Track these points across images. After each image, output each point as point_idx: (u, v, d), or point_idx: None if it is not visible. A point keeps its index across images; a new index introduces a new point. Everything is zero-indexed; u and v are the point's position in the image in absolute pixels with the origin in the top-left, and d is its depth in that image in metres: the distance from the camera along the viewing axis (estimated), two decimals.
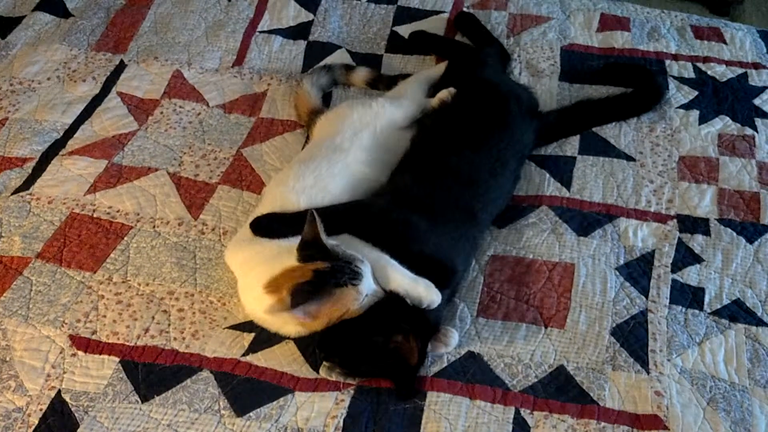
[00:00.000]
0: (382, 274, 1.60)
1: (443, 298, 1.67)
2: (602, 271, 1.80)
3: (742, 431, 1.54)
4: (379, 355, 1.57)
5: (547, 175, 2.01)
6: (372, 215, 1.74)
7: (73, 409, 1.57)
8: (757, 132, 2.13)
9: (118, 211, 1.93)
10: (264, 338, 1.68)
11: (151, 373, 1.63)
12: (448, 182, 1.82)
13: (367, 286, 1.56)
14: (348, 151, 1.87)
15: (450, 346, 1.64)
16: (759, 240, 1.87)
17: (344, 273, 1.54)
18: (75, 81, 2.31)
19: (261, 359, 1.65)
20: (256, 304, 1.64)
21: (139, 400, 1.58)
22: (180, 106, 2.23)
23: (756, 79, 2.29)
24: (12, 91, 2.28)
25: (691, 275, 1.80)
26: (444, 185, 1.81)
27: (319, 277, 1.54)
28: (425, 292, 1.60)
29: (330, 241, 1.58)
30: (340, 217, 1.73)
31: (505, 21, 2.51)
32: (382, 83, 2.27)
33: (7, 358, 1.65)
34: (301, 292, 1.52)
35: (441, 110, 1.98)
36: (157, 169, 2.04)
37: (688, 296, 1.76)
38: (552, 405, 1.57)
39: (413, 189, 1.80)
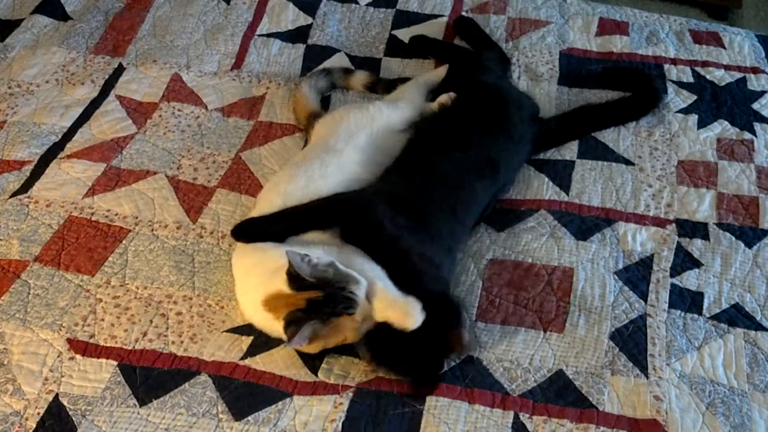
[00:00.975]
0: (370, 287, 1.58)
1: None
2: (601, 276, 1.80)
3: None
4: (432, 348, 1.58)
5: (546, 179, 2.01)
6: (356, 207, 1.75)
7: (70, 413, 1.56)
8: (755, 136, 2.13)
9: (116, 215, 1.93)
10: (262, 342, 1.68)
11: (149, 377, 1.62)
12: (438, 184, 1.82)
13: (365, 312, 1.56)
14: (342, 152, 1.87)
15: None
16: (758, 244, 1.87)
17: (338, 302, 1.54)
18: (73, 84, 2.31)
19: (259, 363, 1.64)
20: (254, 311, 1.64)
21: (137, 403, 1.58)
22: (179, 110, 2.23)
23: (755, 83, 2.29)
24: (10, 93, 2.27)
25: (690, 279, 1.80)
26: (434, 187, 1.81)
27: (312, 307, 1.54)
28: (411, 310, 1.55)
29: (319, 266, 1.55)
30: (321, 212, 1.74)
31: (503, 25, 2.51)
32: (381, 87, 2.27)
33: (5, 362, 1.65)
34: (295, 322, 1.53)
35: (440, 114, 1.98)
36: (155, 173, 2.04)
37: (687, 300, 1.76)
38: (551, 409, 1.56)
39: (404, 189, 1.79)
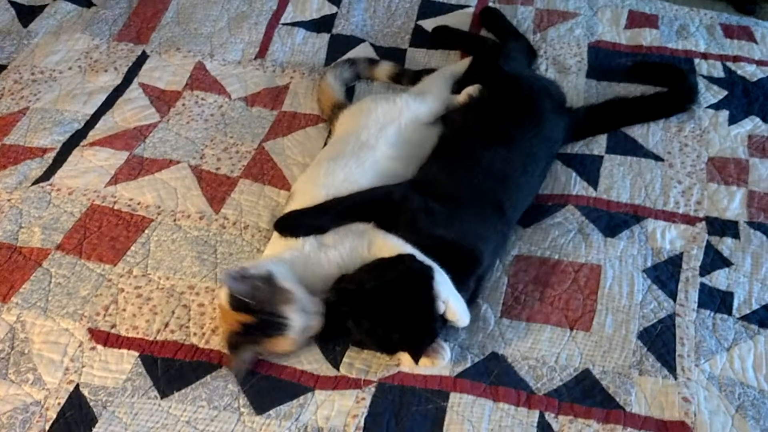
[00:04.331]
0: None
1: (469, 288, 1.66)
2: (629, 274, 1.77)
3: None
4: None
5: (574, 174, 1.98)
6: (394, 200, 1.73)
7: (91, 404, 1.55)
8: None
9: (138, 204, 1.92)
10: None
11: (171, 369, 1.61)
12: (479, 177, 1.79)
13: (299, 328, 1.56)
14: (375, 147, 1.86)
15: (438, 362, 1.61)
16: None
17: (271, 326, 1.55)
18: (96, 71, 2.30)
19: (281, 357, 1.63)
20: None
21: (158, 395, 1.57)
22: (202, 98, 2.21)
23: None
24: (33, 80, 2.27)
25: (719, 279, 1.77)
26: (475, 180, 1.79)
27: (246, 330, 1.55)
28: (463, 312, 1.60)
29: (256, 278, 1.56)
30: (362, 204, 1.73)
31: (531, 16, 2.48)
32: (406, 78, 2.25)
33: (26, 351, 1.64)
34: (233, 343, 1.57)
35: (469, 105, 1.96)
36: (178, 162, 2.02)
37: (717, 300, 1.73)
38: (577, 409, 1.54)
39: (442, 183, 1.78)
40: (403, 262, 1.56)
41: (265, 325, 1.54)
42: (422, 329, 1.55)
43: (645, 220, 1.88)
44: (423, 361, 1.57)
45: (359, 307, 1.55)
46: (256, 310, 1.54)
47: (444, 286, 1.56)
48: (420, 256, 1.60)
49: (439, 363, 1.58)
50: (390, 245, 1.63)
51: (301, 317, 1.56)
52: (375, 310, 1.54)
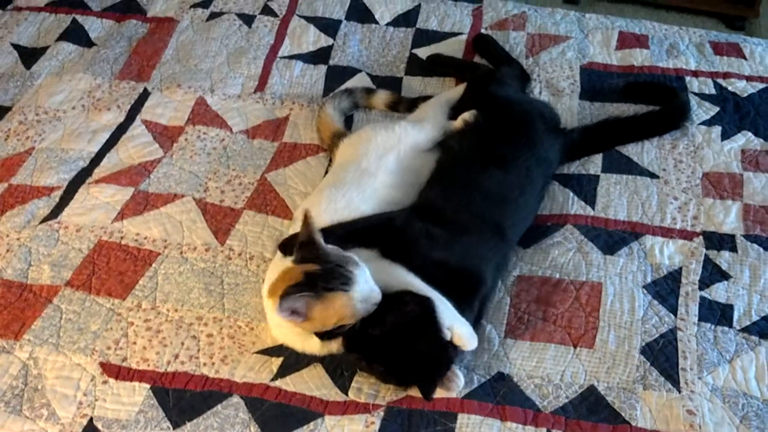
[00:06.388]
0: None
1: (474, 310, 1.69)
2: (630, 290, 1.79)
3: None
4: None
5: (571, 194, 2.01)
6: (397, 227, 1.76)
7: None
8: None
9: (145, 238, 1.95)
10: (292, 363, 1.69)
11: (182, 399, 1.63)
12: (478, 200, 1.83)
13: (361, 292, 1.54)
14: (375, 175, 1.89)
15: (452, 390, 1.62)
16: None
17: (334, 277, 1.53)
18: (100, 110, 2.34)
19: (290, 384, 1.65)
20: (269, 318, 1.67)
21: (170, 426, 1.59)
22: (204, 133, 2.25)
23: None
24: (38, 120, 2.30)
25: (719, 292, 1.80)
26: (474, 203, 1.82)
27: (309, 280, 1.54)
28: (469, 335, 1.61)
29: (323, 242, 1.58)
30: (365, 230, 1.76)
31: (523, 41, 2.52)
32: (403, 106, 2.28)
33: (39, 387, 1.66)
34: (288, 294, 1.52)
35: (465, 131, 1.99)
36: (183, 196, 2.06)
37: (717, 313, 1.76)
38: (584, 426, 1.56)
39: (442, 208, 1.81)
40: (401, 301, 1.59)
41: (329, 274, 1.53)
42: (433, 362, 1.58)
43: (643, 236, 1.91)
44: (438, 390, 1.59)
45: (369, 354, 1.58)
46: (323, 260, 1.55)
47: (447, 314, 1.59)
48: (421, 284, 1.64)
49: (454, 390, 1.60)
50: (394, 274, 1.66)
51: (364, 279, 1.55)
52: (385, 354, 1.57)
